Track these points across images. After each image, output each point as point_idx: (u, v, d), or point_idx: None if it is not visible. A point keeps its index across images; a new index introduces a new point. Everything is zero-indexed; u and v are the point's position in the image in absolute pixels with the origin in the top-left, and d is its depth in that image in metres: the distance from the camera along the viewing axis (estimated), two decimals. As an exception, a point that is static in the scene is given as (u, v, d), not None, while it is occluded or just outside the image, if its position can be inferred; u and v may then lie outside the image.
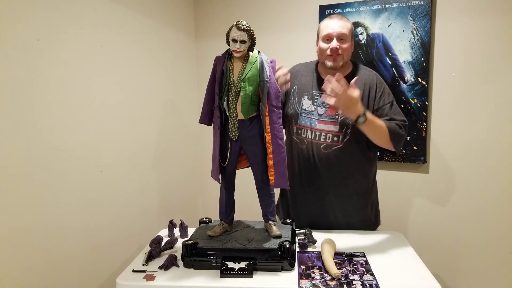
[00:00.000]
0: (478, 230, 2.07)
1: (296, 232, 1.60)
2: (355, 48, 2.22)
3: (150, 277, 1.32)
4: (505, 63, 1.93)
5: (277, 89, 1.40)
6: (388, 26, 2.14)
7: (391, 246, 1.55)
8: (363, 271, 1.34)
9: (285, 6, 2.40)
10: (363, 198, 1.76)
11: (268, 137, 1.39)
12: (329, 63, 1.65)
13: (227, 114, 1.41)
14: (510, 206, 1.99)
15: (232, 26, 1.35)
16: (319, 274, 1.31)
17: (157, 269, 1.37)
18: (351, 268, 1.35)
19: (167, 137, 2.32)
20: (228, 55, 1.42)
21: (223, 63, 1.41)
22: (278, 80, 1.45)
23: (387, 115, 1.63)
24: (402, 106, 2.14)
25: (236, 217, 1.59)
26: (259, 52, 1.42)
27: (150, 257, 1.44)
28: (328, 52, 1.63)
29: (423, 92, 2.11)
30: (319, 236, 1.59)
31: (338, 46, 1.61)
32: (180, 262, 1.41)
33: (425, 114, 2.13)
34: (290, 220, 1.62)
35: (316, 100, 1.69)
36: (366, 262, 1.40)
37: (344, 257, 1.43)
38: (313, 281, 1.27)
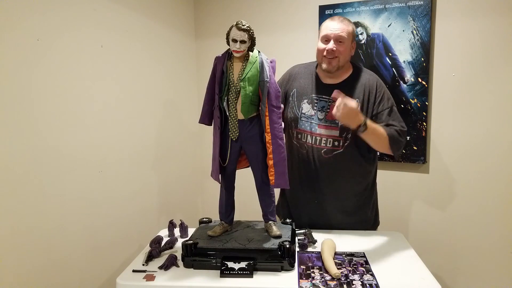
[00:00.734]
0: (478, 230, 2.07)
1: (296, 232, 1.60)
2: (355, 48, 2.22)
3: (150, 277, 1.32)
4: (505, 63, 1.93)
5: (277, 89, 1.40)
6: (388, 26, 2.14)
7: (391, 246, 1.55)
8: (363, 271, 1.34)
9: (285, 6, 2.40)
10: (364, 199, 1.76)
11: (268, 137, 1.39)
12: (323, 66, 1.65)
13: (227, 114, 1.41)
14: (510, 206, 1.98)
15: (232, 26, 1.35)
16: (319, 274, 1.31)
17: (157, 269, 1.37)
18: (351, 268, 1.35)
19: (167, 137, 2.32)
20: (228, 55, 1.42)
21: (223, 63, 1.41)
22: None
23: (385, 120, 1.62)
24: (402, 106, 2.14)
25: (236, 217, 1.59)
26: (259, 52, 1.42)
27: (150, 257, 1.44)
28: (324, 53, 1.63)
29: (423, 92, 2.11)
30: (319, 236, 1.59)
31: (334, 48, 1.60)
32: (180, 262, 1.40)
33: (425, 114, 2.13)
34: (290, 220, 1.62)
35: (316, 104, 1.69)
36: (366, 262, 1.40)
37: (344, 257, 1.43)
38: (313, 281, 1.27)
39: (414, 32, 2.09)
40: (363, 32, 2.20)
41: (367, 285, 1.24)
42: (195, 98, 2.66)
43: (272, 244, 1.39)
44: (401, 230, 1.83)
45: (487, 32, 1.96)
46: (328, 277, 1.29)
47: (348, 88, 1.66)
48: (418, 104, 2.13)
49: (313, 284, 1.25)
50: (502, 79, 1.95)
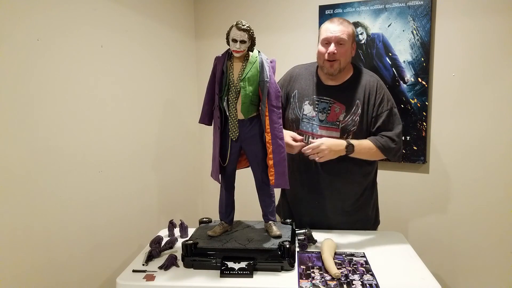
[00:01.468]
0: (478, 230, 2.07)
1: (296, 232, 1.60)
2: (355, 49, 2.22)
3: (150, 277, 1.32)
4: (505, 63, 1.93)
5: (277, 89, 1.40)
6: (388, 26, 2.14)
7: (391, 246, 1.55)
8: (363, 271, 1.34)
9: (285, 6, 2.40)
10: (365, 198, 1.77)
11: (268, 137, 1.39)
12: (325, 69, 1.66)
13: (227, 114, 1.41)
14: (510, 206, 1.98)
15: (232, 26, 1.35)
16: (319, 274, 1.31)
17: (157, 269, 1.37)
18: (351, 268, 1.35)
19: (167, 137, 2.32)
20: (228, 55, 1.42)
21: (223, 63, 1.41)
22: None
23: (383, 123, 1.64)
24: (402, 106, 2.14)
25: (236, 217, 1.59)
26: (259, 52, 1.42)
27: (150, 257, 1.44)
28: (326, 56, 1.63)
29: (423, 92, 2.11)
30: (319, 236, 1.59)
31: (335, 51, 1.60)
32: (180, 262, 1.41)
33: (425, 114, 2.13)
34: (290, 220, 1.62)
35: (317, 106, 1.69)
36: (366, 262, 1.40)
37: (344, 257, 1.43)
38: (313, 281, 1.27)
39: (414, 32, 2.09)
40: (363, 32, 2.20)
41: (367, 285, 1.24)
42: (195, 98, 2.66)
43: (272, 244, 1.39)
44: (401, 230, 1.83)
45: (487, 32, 1.96)
46: (328, 277, 1.29)
47: (348, 89, 1.67)
48: (418, 104, 2.13)
49: (313, 284, 1.25)
50: (502, 79, 1.95)
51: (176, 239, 1.58)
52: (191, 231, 1.65)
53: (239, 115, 1.40)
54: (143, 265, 1.41)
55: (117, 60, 1.85)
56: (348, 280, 1.27)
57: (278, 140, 1.39)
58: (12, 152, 1.34)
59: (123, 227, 1.91)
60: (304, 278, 1.29)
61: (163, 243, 1.54)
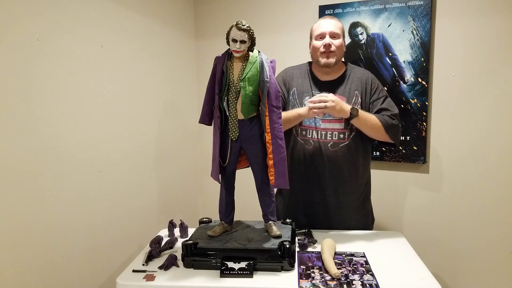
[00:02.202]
0: (478, 230, 2.07)
1: (296, 232, 1.60)
2: (355, 48, 2.22)
3: (150, 277, 1.32)
4: (505, 63, 1.93)
5: (277, 89, 1.40)
6: (388, 26, 2.14)
7: (391, 246, 1.55)
8: (363, 271, 1.34)
9: (285, 6, 2.40)
10: (366, 192, 1.81)
11: (268, 137, 1.39)
12: (322, 60, 1.69)
13: (227, 114, 1.41)
14: (510, 206, 1.98)
15: (232, 26, 1.35)
16: (319, 274, 1.31)
17: (157, 269, 1.37)
18: (351, 268, 1.35)
19: (167, 137, 2.32)
20: (228, 55, 1.42)
21: (223, 63, 1.41)
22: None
23: (382, 105, 1.70)
24: (402, 106, 2.14)
25: (236, 217, 1.59)
26: (259, 52, 1.42)
27: (150, 257, 1.44)
28: (322, 49, 1.68)
29: (423, 92, 2.11)
30: (319, 236, 1.59)
31: (331, 43, 1.67)
32: (180, 262, 1.41)
33: (425, 114, 2.13)
34: (290, 220, 1.62)
35: None
36: (366, 262, 1.40)
37: (344, 257, 1.43)
38: (313, 281, 1.27)
39: (414, 32, 2.09)
40: (363, 32, 2.20)
41: (367, 285, 1.24)
42: (195, 98, 2.66)
43: (272, 244, 1.39)
44: (401, 230, 1.83)
45: (487, 32, 1.96)
46: (328, 277, 1.29)
47: (345, 82, 1.73)
48: (418, 104, 2.13)
49: (313, 284, 1.25)
50: (502, 79, 1.95)
51: (176, 239, 1.58)
52: (191, 231, 1.65)
53: (239, 115, 1.40)
54: (143, 265, 1.41)
55: (117, 60, 1.85)
56: (348, 280, 1.27)
57: (278, 140, 1.39)
58: (12, 152, 1.34)
59: (123, 227, 1.91)
60: (304, 278, 1.29)
61: (163, 243, 1.54)
